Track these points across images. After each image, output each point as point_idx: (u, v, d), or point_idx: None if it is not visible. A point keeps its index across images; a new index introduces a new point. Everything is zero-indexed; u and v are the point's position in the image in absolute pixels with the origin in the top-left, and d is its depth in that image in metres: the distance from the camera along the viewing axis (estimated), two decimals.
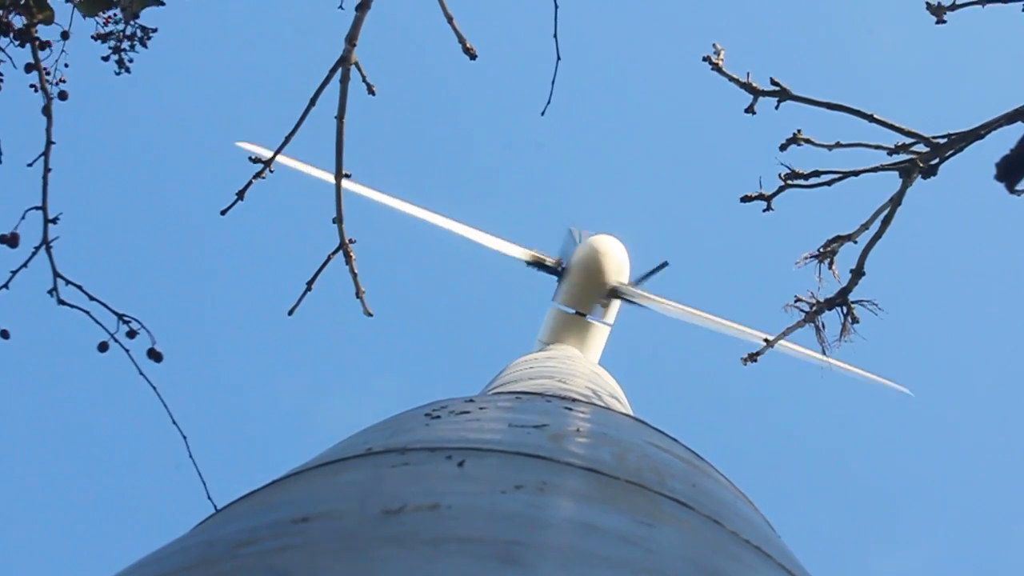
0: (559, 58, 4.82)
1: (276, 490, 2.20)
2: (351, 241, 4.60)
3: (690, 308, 15.19)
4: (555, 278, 15.54)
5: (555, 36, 4.76)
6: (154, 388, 4.37)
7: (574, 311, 14.93)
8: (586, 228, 16.24)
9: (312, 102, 4.32)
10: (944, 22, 4.81)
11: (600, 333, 15.00)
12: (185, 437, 4.52)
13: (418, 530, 1.68)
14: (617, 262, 15.19)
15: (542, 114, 5.01)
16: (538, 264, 15.70)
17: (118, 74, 4.57)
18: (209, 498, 4.26)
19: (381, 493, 1.91)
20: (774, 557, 2.10)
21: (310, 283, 4.65)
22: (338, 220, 4.57)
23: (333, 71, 4.28)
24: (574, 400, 3.34)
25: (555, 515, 1.84)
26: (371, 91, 4.36)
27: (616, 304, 15.20)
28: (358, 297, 4.76)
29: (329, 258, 4.59)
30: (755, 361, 6.02)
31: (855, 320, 5.43)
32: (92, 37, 4.51)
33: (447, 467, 2.11)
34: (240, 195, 4.45)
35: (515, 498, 1.89)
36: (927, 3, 4.79)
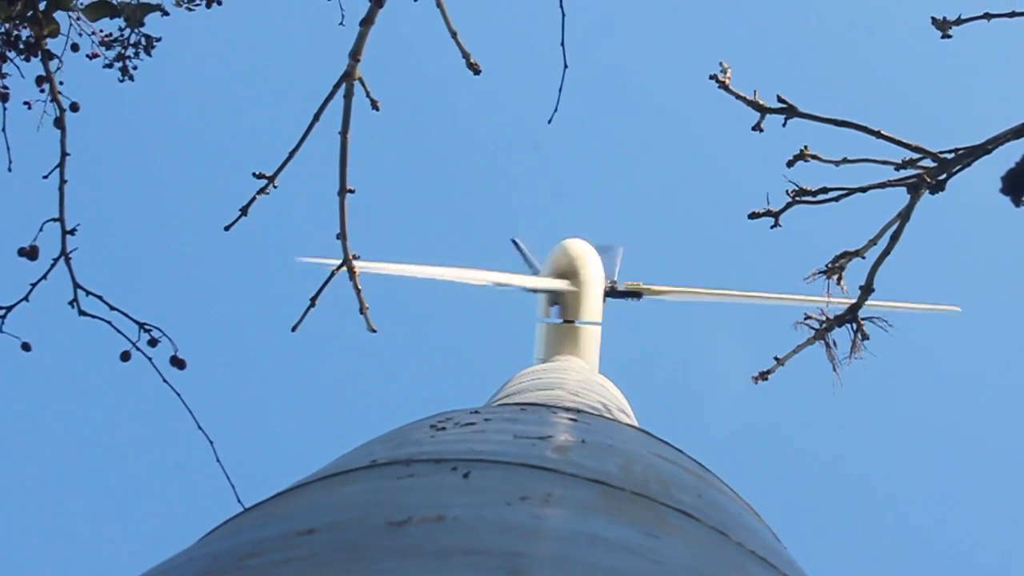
0: (566, 66, 4.82)
1: (281, 502, 2.20)
2: (355, 257, 4.60)
3: (689, 288, 15.43)
4: (535, 295, 15.60)
5: (562, 44, 4.77)
6: (179, 395, 4.37)
7: (562, 320, 14.95)
8: (523, 236, 16.43)
9: (316, 117, 4.32)
10: (949, 37, 4.81)
11: (593, 335, 15.03)
12: (212, 442, 4.52)
13: (423, 542, 1.68)
14: (593, 262, 15.31)
15: (549, 122, 5.01)
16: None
17: (121, 81, 4.59)
18: (239, 500, 4.25)
19: (386, 505, 1.91)
20: (779, 568, 2.09)
21: (314, 299, 4.64)
22: (342, 236, 4.57)
23: (337, 86, 4.29)
24: (579, 411, 3.33)
25: (560, 527, 1.83)
26: (375, 106, 4.37)
27: (600, 302, 15.27)
28: (362, 313, 4.76)
29: (333, 273, 4.59)
30: (766, 379, 5.98)
31: (865, 337, 5.41)
32: (88, 57, 4.52)
33: (452, 479, 2.10)
34: (244, 211, 4.45)
35: (520, 510, 1.88)
36: (932, 18, 4.79)
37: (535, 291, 15.55)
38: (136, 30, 4.52)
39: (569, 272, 15.09)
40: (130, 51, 4.56)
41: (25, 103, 4.24)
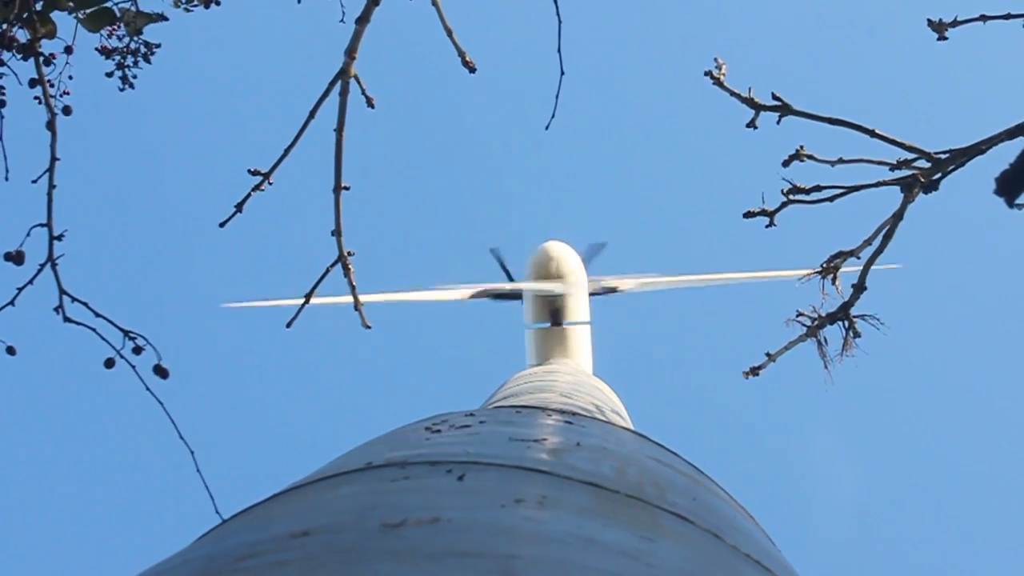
0: (563, 72, 4.83)
1: (276, 504, 2.20)
2: (350, 253, 4.59)
3: (671, 277, 15.58)
4: (519, 302, 15.64)
5: (559, 51, 4.77)
6: (161, 404, 4.35)
7: (549, 324, 14.98)
8: (497, 244, 16.51)
9: (311, 115, 4.32)
10: (945, 39, 4.81)
11: (583, 335, 15.05)
12: (192, 452, 4.51)
13: (418, 544, 1.68)
14: (575, 262, 15.35)
15: (546, 128, 5.01)
16: (496, 295, 15.83)
17: (122, 90, 4.58)
18: (217, 512, 4.25)
19: (381, 507, 1.91)
20: (773, 571, 2.10)
21: (308, 296, 4.64)
22: (336, 233, 4.56)
23: (332, 84, 4.29)
24: (574, 414, 3.34)
25: (555, 529, 1.83)
26: (370, 104, 4.37)
27: (586, 301, 15.32)
28: (356, 310, 4.76)
29: (328, 270, 4.59)
30: (757, 375, 5.97)
31: (857, 335, 5.42)
32: (96, 50, 4.51)
33: (447, 481, 2.11)
34: (239, 207, 4.44)
35: (515, 512, 1.88)
36: (928, 20, 4.79)
37: (514, 297, 15.58)
38: (135, 38, 4.51)
39: (552, 274, 15.12)
40: (129, 60, 4.55)
41: (36, 98, 4.22)
